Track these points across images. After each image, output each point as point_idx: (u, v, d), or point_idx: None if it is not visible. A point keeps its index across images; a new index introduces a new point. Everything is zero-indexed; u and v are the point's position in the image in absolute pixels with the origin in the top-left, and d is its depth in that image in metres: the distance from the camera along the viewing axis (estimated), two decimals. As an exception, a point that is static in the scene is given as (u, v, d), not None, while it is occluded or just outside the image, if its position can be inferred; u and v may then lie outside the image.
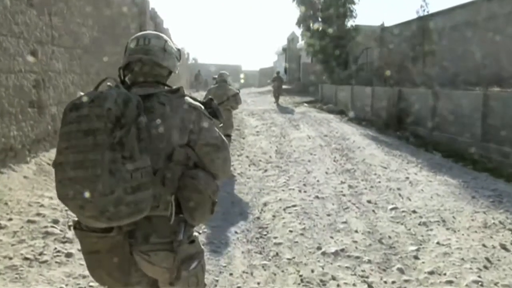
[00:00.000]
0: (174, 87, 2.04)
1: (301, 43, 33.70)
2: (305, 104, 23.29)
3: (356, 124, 15.80)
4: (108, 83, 1.88)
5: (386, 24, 23.69)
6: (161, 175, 1.83)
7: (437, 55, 14.99)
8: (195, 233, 2.07)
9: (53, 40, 7.42)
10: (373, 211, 5.72)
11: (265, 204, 6.00)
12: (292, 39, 38.87)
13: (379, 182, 7.19)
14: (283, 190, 6.66)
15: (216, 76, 8.56)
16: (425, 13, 15.72)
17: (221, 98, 7.61)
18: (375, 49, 24.73)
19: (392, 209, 5.75)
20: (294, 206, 5.86)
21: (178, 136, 1.88)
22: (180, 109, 1.91)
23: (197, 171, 1.94)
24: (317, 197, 6.31)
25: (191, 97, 2.04)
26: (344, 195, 6.46)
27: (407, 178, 7.40)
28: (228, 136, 7.95)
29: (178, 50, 2.14)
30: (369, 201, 6.11)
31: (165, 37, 2.09)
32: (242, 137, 12.16)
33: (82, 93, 1.74)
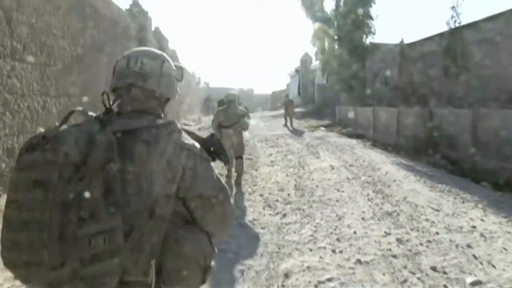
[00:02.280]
0: (167, 119, 1.63)
1: (315, 63, 32.17)
2: (322, 128, 21.52)
3: (383, 149, 13.99)
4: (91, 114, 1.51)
5: (405, 42, 22.06)
6: (138, 235, 1.43)
7: (473, 71, 13.24)
8: None
9: (14, 53, 5.86)
10: (445, 287, 3.93)
11: (287, 276, 4.23)
12: (305, 60, 37.35)
13: (437, 233, 5.40)
14: (310, 250, 4.89)
15: (223, 99, 8.32)
16: (457, 25, 14.03)
17: (231, 120, 7.35)
18: (394, 68, 23.08)
19: (473, 284, 3.95)
20: (329, 280, 4.08)
21: (164, 185, 1.47)
22: (168, 150, 1.51)
23: (184, 232, 1.55)
24: (359, 261, 4.52)
25: (187, 132, 1.66)
26: (395, 256, 4.68)
27: (474, 227, 5.57)
28: (240, 157, 7.86)
29: (180, 68, 1.79)
30: (433, 268, 4.32)
31: (162, 55, 1.72)
32: (255, 168, 10.44)
33: (42, 129, 1.43)
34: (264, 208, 6.86)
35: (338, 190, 7.97)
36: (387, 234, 5.44)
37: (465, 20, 14.66)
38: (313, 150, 13.58)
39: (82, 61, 8.40)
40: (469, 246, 4.90)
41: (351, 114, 20.61)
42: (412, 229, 5.62)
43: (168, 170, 1.49)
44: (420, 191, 7.73)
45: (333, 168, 10.21)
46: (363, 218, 6.12)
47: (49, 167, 1.26)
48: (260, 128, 21.31)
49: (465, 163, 10.59)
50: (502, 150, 9.32)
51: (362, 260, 4.55)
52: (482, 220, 5.90)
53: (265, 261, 4.65)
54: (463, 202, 6.92)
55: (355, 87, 21.81)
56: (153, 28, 17.62)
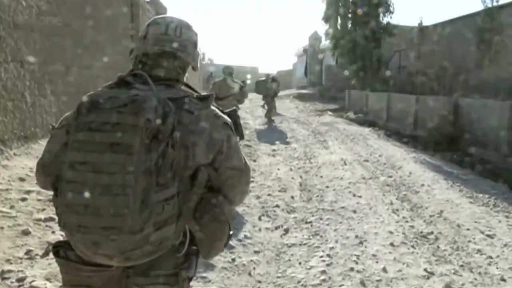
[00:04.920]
0: (204, 93, 1.64)
1: (324, 43, 30.21)
2: (329, 113, 19.84)
3: (397, 140, 12.37)
4: (119, 74, 1.52)
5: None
6: (181, 201, 1.41)
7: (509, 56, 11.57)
8: None
9: None
10: None
11: None
12: (314, 39, 35.39)
13: (503, 280, 3.81)
14: (324, 304, 3.34)
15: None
16: (495, 4, 12.28)
17: (226, 92, 7.22)
18: (410, 52, 21.31)
19: None
20: None
21: (204, 154, 1.49)
22: (209, 122, 1.52)
23: (219, 197, 1.54)
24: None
25: (217, 108, 1.64)
26: (451, 321, 3.12)
27: (554, 271, 4.01)
28: None
29: None
30: None
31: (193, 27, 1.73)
32: (253, 158, 8.86)
33: (104, 86, 1.48)
34: (260, 218, 5.30)
35: (354, 195, 6.39)
36: (429, 274, 3.87)
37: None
38: (321, 138, 11.98)
39: (49, 22, 6.77)
40: (560, 309, 3.34)
41: (362, 99, 18.95)
42: (462, 267, 4.05)
43: (209, 140, 1.49)
44: (459, 203, 6.13)
45: (345, 163, 8.61)
46: (391, 244, 4.53)
47: (131, 130, 1.25)
48: (263, 110, 19.67)
49: (498, 163, 9.01)
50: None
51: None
52: (560, 258, 4.32)
53: (255, 320, 3.10)
54: (519, 224, 5.33)
55: (368, 70, 20.04)
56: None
